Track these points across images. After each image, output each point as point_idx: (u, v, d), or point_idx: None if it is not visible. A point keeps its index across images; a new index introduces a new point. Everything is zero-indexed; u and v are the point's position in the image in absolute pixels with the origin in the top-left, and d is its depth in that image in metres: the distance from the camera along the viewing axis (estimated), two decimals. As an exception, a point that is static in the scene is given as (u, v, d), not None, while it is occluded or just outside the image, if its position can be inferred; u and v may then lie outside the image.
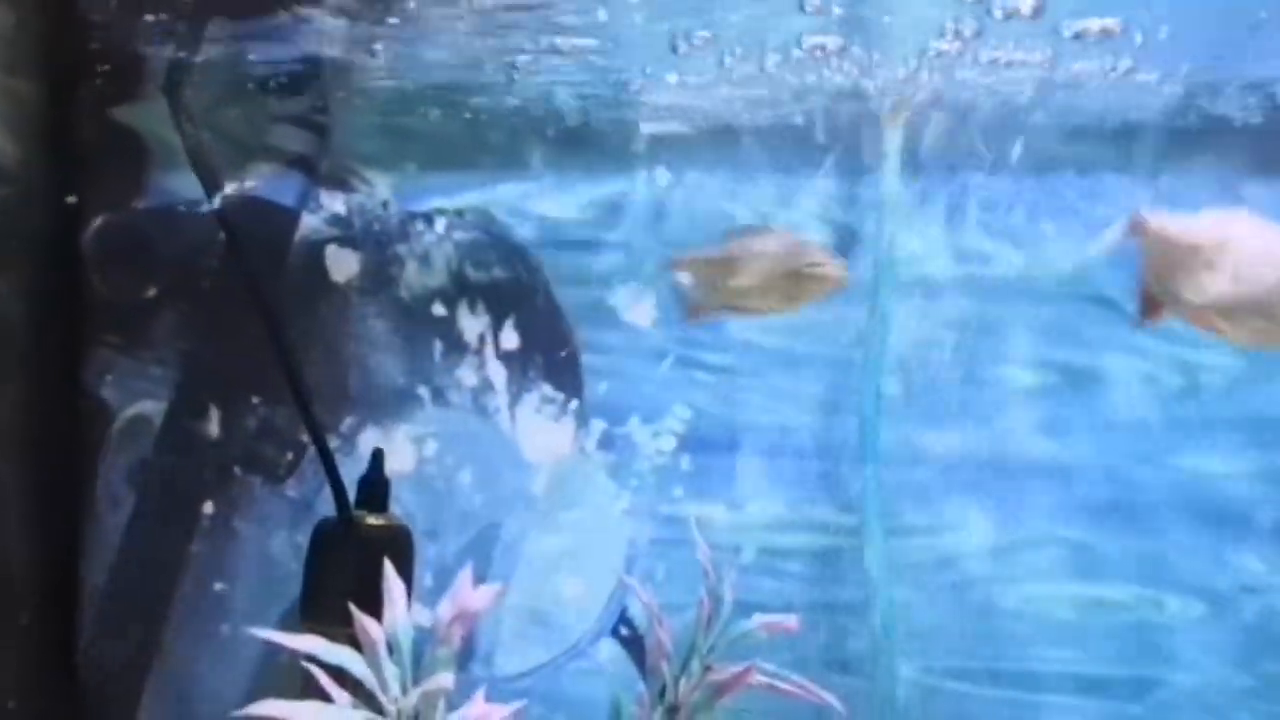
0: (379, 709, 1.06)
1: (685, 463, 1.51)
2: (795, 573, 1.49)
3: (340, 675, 1.11)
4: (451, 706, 1.13)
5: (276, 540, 1.46)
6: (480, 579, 1.47)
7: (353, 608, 1.09)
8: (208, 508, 1.45)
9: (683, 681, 1.34)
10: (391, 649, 1.08)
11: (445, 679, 1.02)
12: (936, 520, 1.49)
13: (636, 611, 1.47)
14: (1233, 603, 1.48)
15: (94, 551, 1.44)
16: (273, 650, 1.42)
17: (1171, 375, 1.51)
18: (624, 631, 1.48)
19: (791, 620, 1.35)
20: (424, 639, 1.16)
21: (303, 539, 1.40)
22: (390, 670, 1.06)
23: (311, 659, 1.08)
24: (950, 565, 1.50)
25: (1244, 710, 1.47)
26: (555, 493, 1.50)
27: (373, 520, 1.35)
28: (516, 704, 1.11)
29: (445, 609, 1.08)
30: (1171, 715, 1.47)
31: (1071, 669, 1.49)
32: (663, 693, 1.34)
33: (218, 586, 1.45)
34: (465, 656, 1.49)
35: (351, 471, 1.40)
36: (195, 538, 1.44)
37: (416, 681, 1.09)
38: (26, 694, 1.39)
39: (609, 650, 1.47)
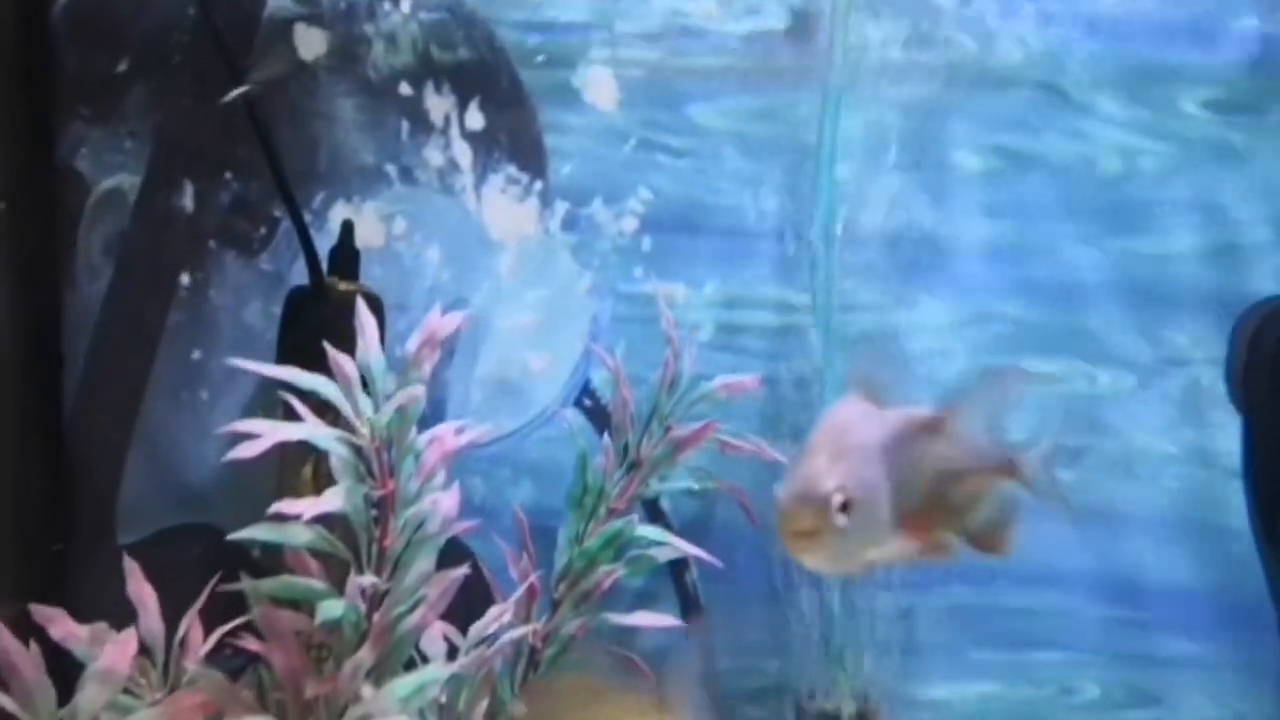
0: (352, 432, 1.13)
1: (646, 244, 1.57)
2: (751, 348, 1.56)
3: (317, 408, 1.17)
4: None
5: (251, 311, 1.50)
6: (449, 353, 1.54)
7: (327, 345, 1.15)
8: (184, 279, 1.49)
9: (645, 440, 1.43)
10: (365, 381, 1.14)
11: (417, 389, 1.08)
12: (884, 298, 1.57)
13: (599, 383, 1.55)
14: (1159, 375, 1.58)
15: (75, 320, 1.49)
16: (249, 415, 1.50)
17: (1111, 160, 1.58)
18: (587, 403, 1.55)
19: (751, 380, 1.43)
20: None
21: (277, 310, 1.46)
22: (363, 400, 1.12)
23: (288, 387, 1.14)
24: (894, 340, 1.58)
25: (1166, 475, 1.57)
26: (521, 271, 1.55)
27: (344, 285, 1.41)
28: (484, 427, 1.19)
29: (415, 338, 1.14)
30: (1100, 479, 1.57)
31: (1008, 436, 1.59)
32: (625, 449, 1.43)
33: (195, 355, 1.50)
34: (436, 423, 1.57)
35: (323, 247, 1.45)
36: (172, 308, 1.49)
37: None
38: (14, 458, 1.45)
39: (573, 420, 1.54)
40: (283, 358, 1.39)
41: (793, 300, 1.56)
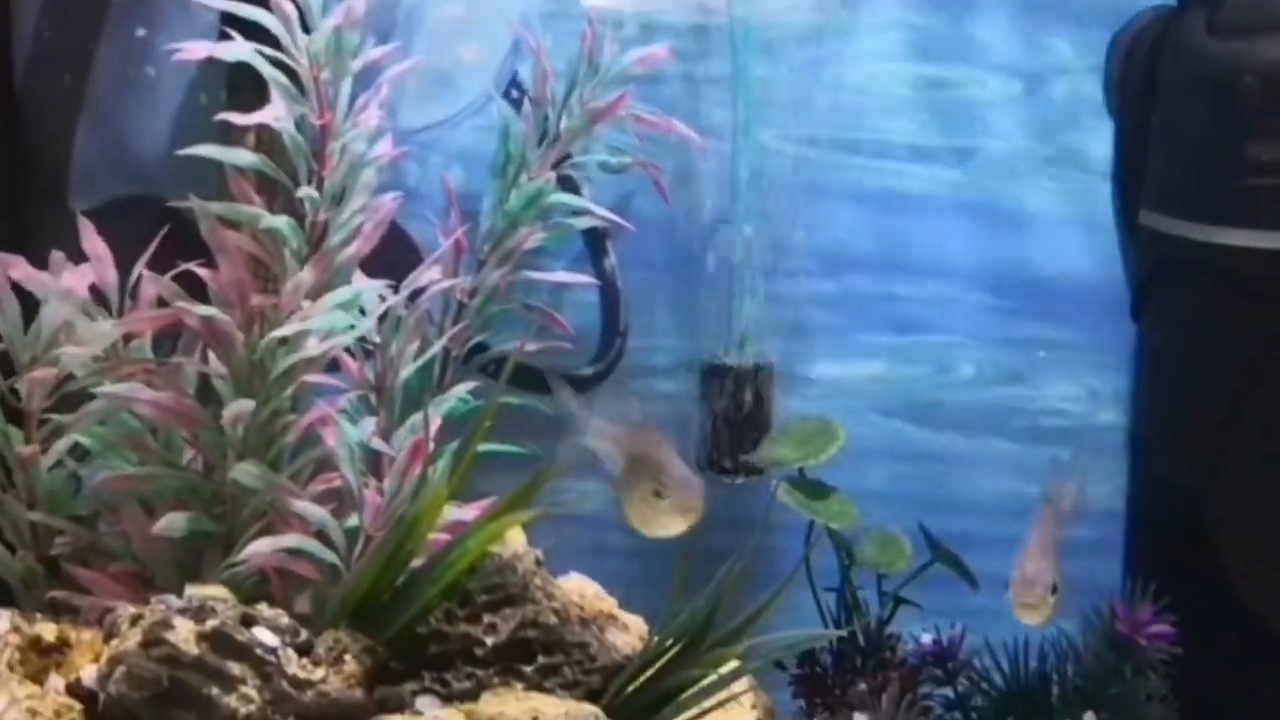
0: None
1: (575, -59, 1.66)
2: (670, 46, 1.66)
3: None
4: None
5: (196, -8, 1.57)
6: (384, 40, 1.62)
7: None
8: (128, -43, 1.56)
9: (564, 116, 1.54)
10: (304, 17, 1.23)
11: (353, 5, 1.18)
12: (797, 3, 1.67)
13: (525, 76, 1.64)
14: (1044, 82, 1.72)
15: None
16: (192, 93, 1.58)
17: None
18: (514, 94, 1.64)
19: (662, 50, 1.54)
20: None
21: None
22: (301, 36, 1.21)
23: (231, 18, 1.23)
24: (806, 44, 1.69)
25: (1042, 175, 1.72)
26: (453, -36, 1.63)
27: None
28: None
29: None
30: (983, 177, 1.71)
31: (905, 139, 1.72)
32: (545, 124, 1.54)
33: (139, 32, 1.57)
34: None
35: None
36: (116, -17, 1.56)
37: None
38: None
39: (501, 110, 1.64)
40: (226, 21, 1.47)
41: (711, 3, 1.66)
